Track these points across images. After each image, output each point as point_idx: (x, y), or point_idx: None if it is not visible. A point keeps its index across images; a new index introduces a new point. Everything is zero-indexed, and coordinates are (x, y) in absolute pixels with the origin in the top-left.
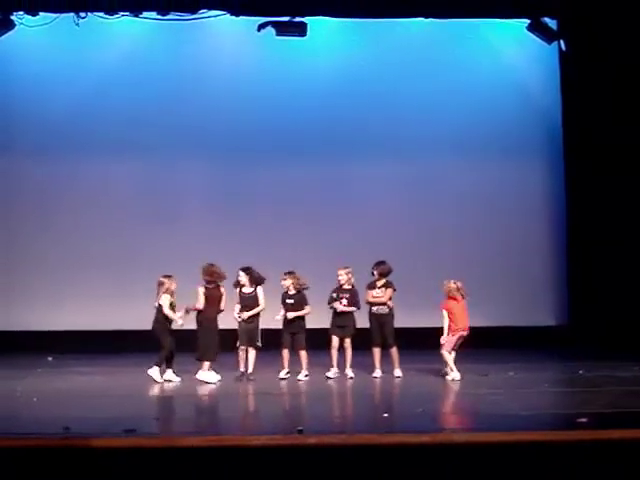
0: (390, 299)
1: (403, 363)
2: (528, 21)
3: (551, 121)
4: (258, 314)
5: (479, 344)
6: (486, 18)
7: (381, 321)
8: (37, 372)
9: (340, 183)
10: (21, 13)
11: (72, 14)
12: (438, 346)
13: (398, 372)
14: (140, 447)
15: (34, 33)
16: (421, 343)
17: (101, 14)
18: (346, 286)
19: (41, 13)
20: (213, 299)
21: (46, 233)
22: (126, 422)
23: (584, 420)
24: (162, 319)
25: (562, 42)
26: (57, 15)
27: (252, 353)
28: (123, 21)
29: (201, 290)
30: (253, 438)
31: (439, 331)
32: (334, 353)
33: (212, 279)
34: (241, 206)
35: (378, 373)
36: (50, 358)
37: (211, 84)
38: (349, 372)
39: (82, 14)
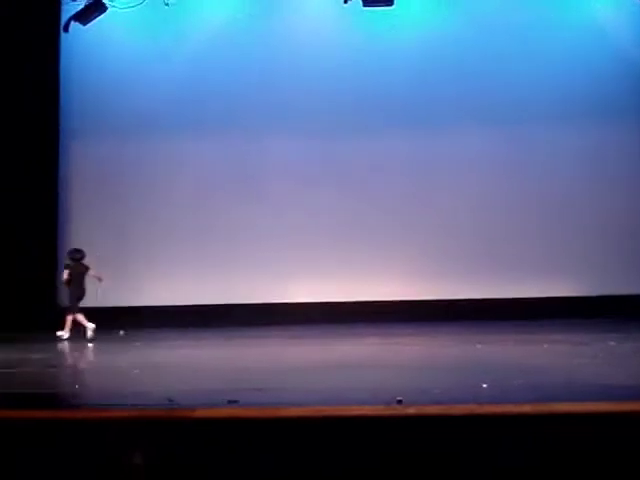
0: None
1: (504, 333)
2: None
3: None
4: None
5: (578, 314)
6: None
7: None
8: (136, 346)
9: (435, 154)
10: None
11: None
12: (540, 317)
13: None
14: (243, 418)
15: (125, 16)
16: (522, 314)
17: None
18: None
19: None
20: None
21: (133, 210)
22: (229, 393)
23: None
24: None
25: None
26: None
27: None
28: None
29: None
30: (354, 408)
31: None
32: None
33: None
34: (330, 181)
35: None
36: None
37: (298, 58)
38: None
39: None
